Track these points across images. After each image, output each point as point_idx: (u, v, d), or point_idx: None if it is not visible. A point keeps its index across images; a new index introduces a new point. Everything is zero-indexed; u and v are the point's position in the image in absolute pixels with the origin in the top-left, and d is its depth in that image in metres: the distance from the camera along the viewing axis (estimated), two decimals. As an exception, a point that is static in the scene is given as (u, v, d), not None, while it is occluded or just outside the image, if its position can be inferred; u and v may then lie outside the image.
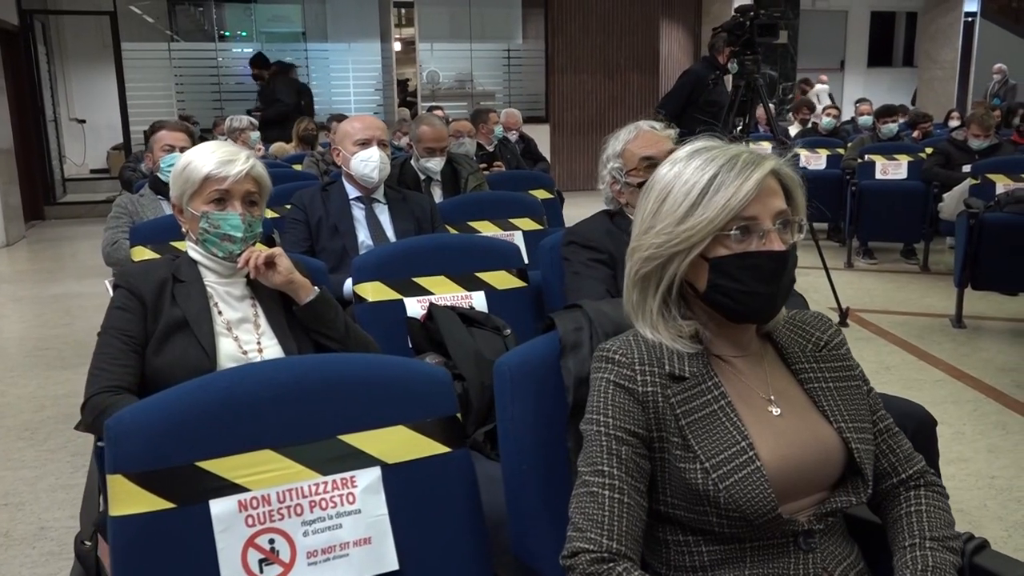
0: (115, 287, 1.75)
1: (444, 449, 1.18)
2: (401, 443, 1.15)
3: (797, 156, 1.14)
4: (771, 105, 5.18)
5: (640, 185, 2.15)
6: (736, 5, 10.23)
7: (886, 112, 7.04)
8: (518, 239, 3.34)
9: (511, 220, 3.34)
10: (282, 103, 8.11)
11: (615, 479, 1.05)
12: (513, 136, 6.81)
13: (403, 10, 9.22)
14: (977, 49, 11.64)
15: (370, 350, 1.85)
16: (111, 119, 10.32)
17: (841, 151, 7.51)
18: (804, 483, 1.09)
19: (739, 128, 4.79)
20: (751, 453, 1.06)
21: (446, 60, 11.43)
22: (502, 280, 2.25)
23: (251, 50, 11.28)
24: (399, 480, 1.14)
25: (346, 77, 11.22)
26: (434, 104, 8.91)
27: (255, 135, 6.26)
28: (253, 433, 1.08)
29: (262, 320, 1.80)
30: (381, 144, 2.91)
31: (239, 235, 1.76)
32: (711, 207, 1.08)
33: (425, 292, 2.16)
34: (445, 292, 2.18)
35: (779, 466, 1.07)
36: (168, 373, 1.66)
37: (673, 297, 1.14)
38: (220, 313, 1.77)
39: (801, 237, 1.13)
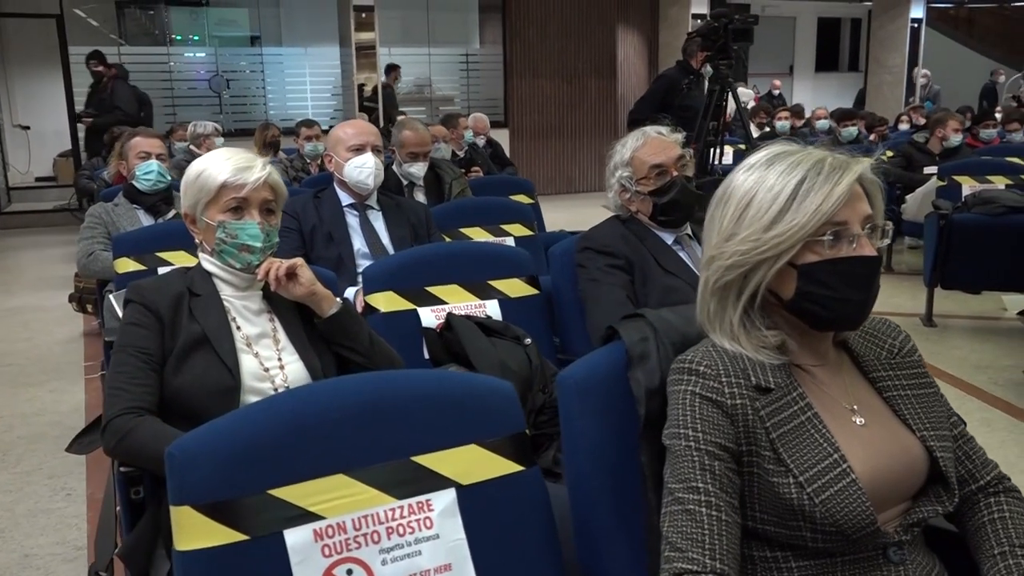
0: (127, 303, 1.66)
1: (517, 468, 1.13)
2: (474, 463, 1.10)
3: (881, 161, 1.12)
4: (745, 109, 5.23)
5: (652, 193, 2.13)
6: (693, 11, 10.45)
7: (845, 116, 7.19)
8: (509, 244, 3.30)
9: (502, 226, 3.30)
10: (121, 111, 7.53)
11: (711, 495, 1.02)
12: (481, 141, 6.78)
13: (363, 14, 9.09)
14: (924, 55, 11.96)
15: (395, 364, 1.78)
16: (58, 125, 9.98)
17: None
18: (893, 494, 1.08)
19: (711, 132, 4.83)
20: (844, 465, 1.04)
21: (404, 65, 11.32)
22: (515, 288, 2.21)
23: (203, 54, 11.06)
24: (474, 502, 1.09)
25: (303, 81, 11.04)
26: (398, 110, 8.81)
27: (220, 141, 6.09)
28: (324, 457, 1.02)
29: (281, 335, 1.73)
30: (375, 150, 2.84)
31: (258, 245, 1.69)
32: (802, 212, 1.05)
33: (439, 302, 2.11)
34: (459, 301, 2.13)
35: (871, 477, 1.05)
36: (190, 393, 1.58)
37: (756, 306, 1.11)
38: (239, 328, 1.69)
39: (887, 242, 1.11)
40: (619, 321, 1.28)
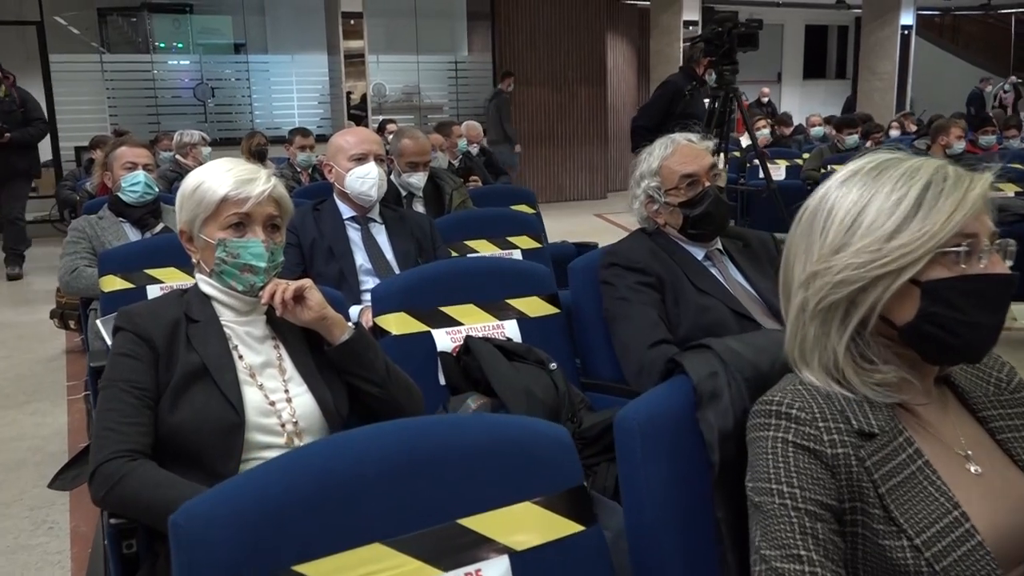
0: (117, 331, 1.49)
1: (577, 528, 0.98)
2: (530, 524, 0.94)
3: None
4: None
5: (683, 205, 1.99)
6: (685, 18, 10.37)
7: (846, 124, 7.09)
8: (516, 257, 3.15)
9: (508, 238, 3.15)
10: (43, 122, 6.83)
11: (815, 566, 0.87)
12: (474, 149, 6.63)
13: (352, 21, 8.93)
14: (913, 61, 11.95)
15: (413, 394, 1.63)
16: (38, 135, 9.73)
17: (799, 161, 7.55)
18: (1017, 552, 0.93)
19: (715, 140, 4.70)
20: (967, 525, 0.89)
21: (392, 72, 11.19)
22: (534, 307, 2.05)
23: (188, 62, 10.86)
24: (530, 570, 0.93)
25: (289, 90, 10.86)
26: (386, 118, 8.66)
27: (207, 150, 5.92)
28: (358, 523, 0.86)
29: (288, 364, 1.57)
30: (378, 159, 2.69)
31: (262, 265, 1.53)
32: (931, 219, 0.91)
33: (454, 323, 1.95)
34: (476, 322, 1.97)
35: (996, 536, 0.90)
36: (189, 431, 1.41)
37: (869, 332, 0.96)
38: (241, 358, 1.53)
39: (1011, 263, 0.97)
40: (682, 353, 1.13)
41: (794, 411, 0.94)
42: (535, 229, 3.21)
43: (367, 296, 2.55)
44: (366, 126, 9.04)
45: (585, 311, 2.11)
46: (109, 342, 1.68)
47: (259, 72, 10.78)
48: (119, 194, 3.19)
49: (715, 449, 1.03)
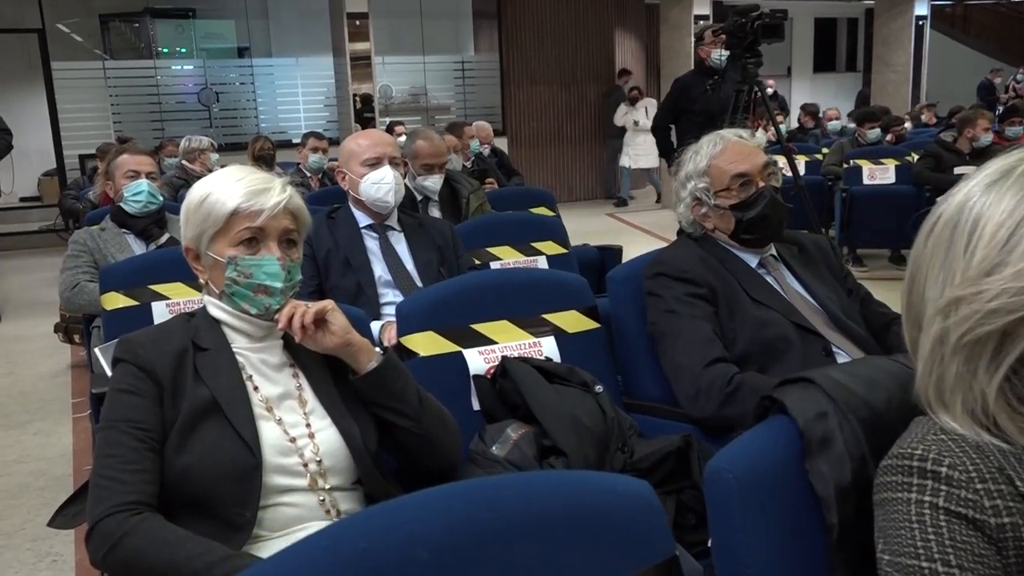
0: (117, 362, 1.33)
1: (672, 610, 0.81)
2: (617, 610, 0.77)
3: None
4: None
5: (735, 207, 1.81)
6: (695, 12, 10.16)
7: (868, 117, 6.90)
8: (542, 265, 2.98)
9: (533, 244, 2.98)
10: (8, 133, 6.05)
11: None
12: (485, 150, 6.45)
13: (357, 22, 8.77)
14: (928, 53, 11.73)
15: (448, 427, 1.46)
16: (42, 143, 9.60)
17: (819, 156, 7.36)
18: None
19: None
20: None
21: (398, 74, 11.03)
22: (572, 322, 1.88)
23: (192, 67, 10.73)
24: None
25: (295, 93, 10.70)
26: (394, 119, 8.49)
27: (215, 156, 5.76)
28: (412, 619, 0.69)
29: (308, 394, 1.40)
30: (393, 162, 2.52)
31: (278, 285, 1.36)
32: None
33: (487, 341, 1.78)
34: (510, 340, 1.80)
35: None
36: (199, 475, 1.25)
37: None
38: (256, 389, 1.36)
39: None
40: (781, 388, 0.96)
41: (944, 468, 0.76)
42: (560, 234, 3.04)
43: (387, 310, 2.39)
44: (374, 128, 8.88)
45: (627, 325, 1.94)
46: (109, 372, 1.51)
47: (263, 76, 10.64)
48: (121, 204, 3.03)
49: (832, 507, 0.86)
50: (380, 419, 1.41)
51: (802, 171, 7.26)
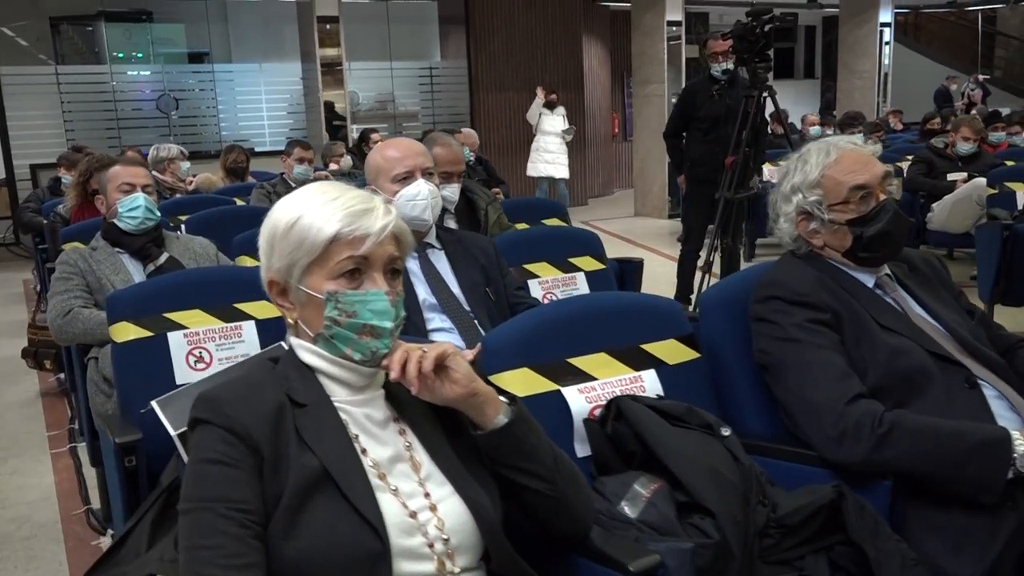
0: (198, 423, 1.08)
1: None
2: None
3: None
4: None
5: (853, 223, 1.63)
6: (668, 18, 10.09)
7: (850, 122, 6.86)
8: (581, 282, 2.78)
9: (570, 260, 2.78)
10: None
11: None
12: (471, 158, 6.24)
13: (328, 26, 8.47)
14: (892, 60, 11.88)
15: (581, 486, 1.24)
16: (-12, 153, 9.11)
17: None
18: None
19: (748, 143, 4.38)
20: None
21: (365, 80, 10.74)
22: (672, 352, 1.68)
23: (149, 73, 10.29)
24: None
25: (258, 100, 10.34)
26: (368, 127, 8.21)
27: (185, 165, 5.44)
28: None
29: (420, 454, 1.17)
30: (427, 173, 2.29)
31: (387, 325, 1.13)
32: None
33: (587, 377, 1.57)
34: (610, 375, 1.59)
35: None
36: (314, 565, 1.01)
37: None
38: (364, 451, 1.13)
39: None
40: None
41: None
42: (597, 248, 2.84)
43: (437, 337, 2.16)
44: (345, 137, 8.59)
45: (724, 353, 1.74)
46: (172, 431, 1.26)
47: (224, 82, 10.25)
48: (115, 221, 2.75)
49: None
50: (504, 479, 1.19)
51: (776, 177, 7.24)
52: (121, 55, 10.42)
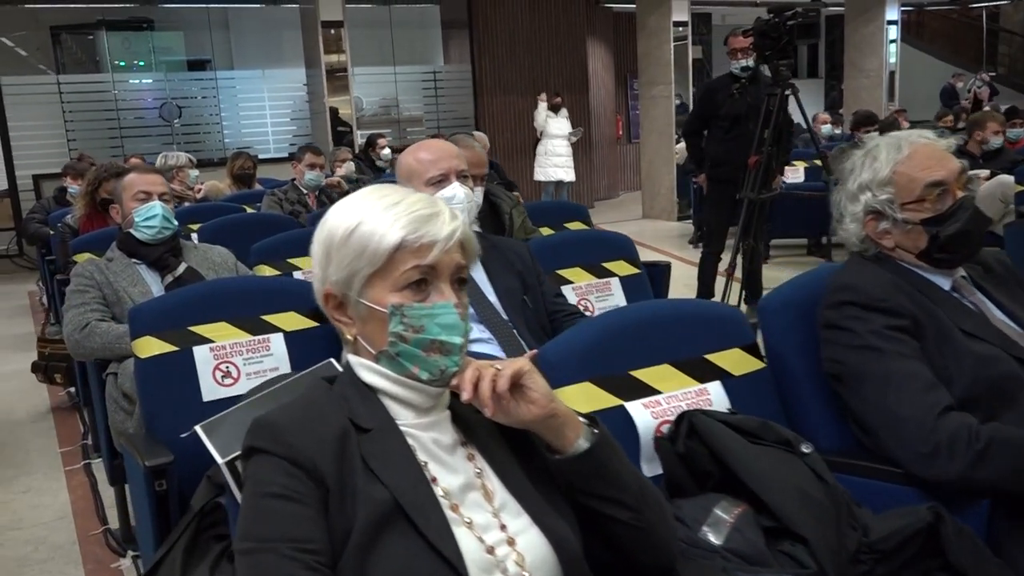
0: (254, 452, 0.98)
1: None
2: None
3: None
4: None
5: (929, 222, 1.53)
6: (674, 19, 10.00)
7: (866, 120, 6.76)
8: (615, 288, 2.68)
9: (604, 265, 2.68)
10: None
11: None
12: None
13: (332, 30, 8.38)
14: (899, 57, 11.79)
15: (666, 514, 1.14)
16: (-10, 163, 9.01)
17: (818, 163, 7.20)
18: None
19: (771, 143, 4.28)
20: None
21: (368, 85, 10.64)
22: (736, 362, 1.58)
23: (151, 81, 10.20)
24: None
25: (262, 107, 10.24)
26: (375, 132, 8.12)
27: (194, 173, 5.35)
28: None
29: (492, 482, 1.07)
30: (461, 176, 2.20)
31: (457, 340, 1.04)
32: None
33: (651, 391, 1.47)
34: (674, 388, 1.49)
35: None
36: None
37: None
38: (434, 480, 1.03)
39: None
40: None
41: None
42: (631, 251, 2.74)
43: (476, 348, 2.05)
44: (351, 143, 8.49)
45: (787, 362, 1.64)
46: (219, 459, 1.15)
47: (227, 89, 10.15)
48: (131, 231, 2.65)
49: None
50: (582, 507, 1.09)
51: (802, 177, 7.14)
52: (123, 63, 10.34)
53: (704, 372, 1.53)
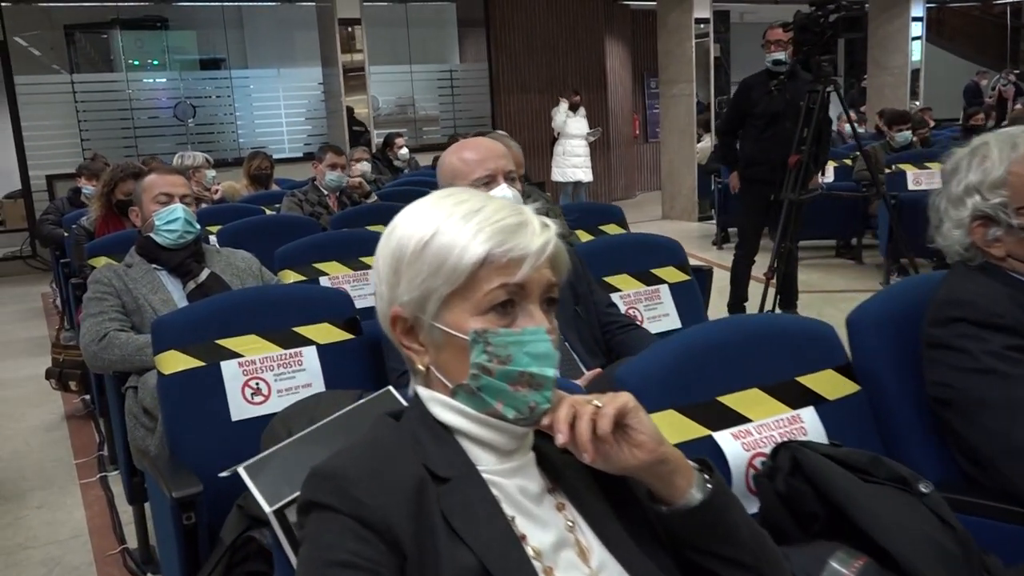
0: (315, 507, 0.82)
1: None
2: None
3: None
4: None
5: (1047, 226, 1.36)
6: (696, 15, 9.81)
7: (899, 119, 6.56)
8: (665, 296, 2.52)
9: (652, 271, 2.52)
10: None
11: None
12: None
13: (349, 28, 8.24)
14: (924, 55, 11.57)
15: (786, 572, 0.98)
16: (5, 163, 8.91)
17: (848, 162, 7.02)
18: None
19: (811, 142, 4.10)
20: None
21: (384, 84, 10.50)
22: (830, 385, 1.41)
23: (165, 80, 10.09)
24: None
25: (276, 106, 10.11)
26: (393, 131, 7.98)
27: (211, 173, 5.21)
28: None
29: (586, 535, 0.92)
30: (508, 177, 2.03)
31: (550, 373, 0.88)
32: None
33: (740, 419, 1.31)
34: (766, 416, 1.33)
35: None
36: None
37: None
38: (523, 538, 0.87)
39: None
40: None
41: None
42: (680, 257, 2.58)
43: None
44: (368, 142, 8.35)
45: (885, 387, 1.48)
46: (266, 507, 0.99)
47: (241, 88, 10.03)
48: (152, 235, 2.50)
49: None
50: (689, 563, 0.93)
51: (832, 178, 6.95)
52: (136, 63, 10.23)
53: (796, 397, 1.37)
